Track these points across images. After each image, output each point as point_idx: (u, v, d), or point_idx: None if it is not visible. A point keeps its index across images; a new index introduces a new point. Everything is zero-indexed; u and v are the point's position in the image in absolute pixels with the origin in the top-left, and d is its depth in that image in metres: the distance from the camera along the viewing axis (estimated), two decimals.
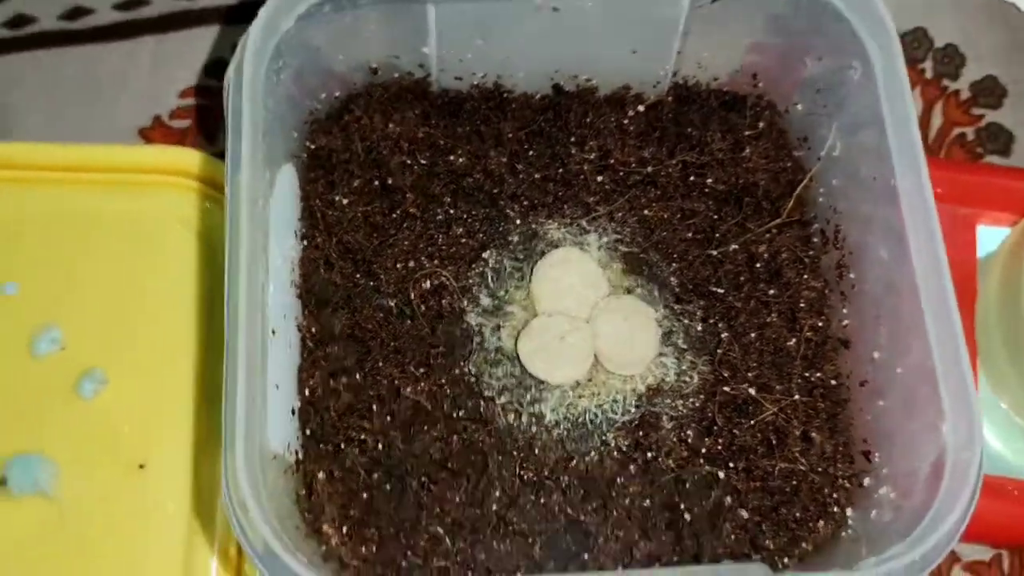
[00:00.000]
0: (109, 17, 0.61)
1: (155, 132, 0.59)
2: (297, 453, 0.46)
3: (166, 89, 0.60)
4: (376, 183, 0.52)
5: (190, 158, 0.56)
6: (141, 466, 0.51)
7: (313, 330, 0.49)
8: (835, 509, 0.47)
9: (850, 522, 0.46)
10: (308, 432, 0.47)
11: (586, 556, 0.46)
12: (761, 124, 0.55)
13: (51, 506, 0.50)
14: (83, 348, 0.53)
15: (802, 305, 0.50)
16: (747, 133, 0.54)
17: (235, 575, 0.50)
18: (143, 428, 0.52)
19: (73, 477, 0.50)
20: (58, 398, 0.52)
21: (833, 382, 0.49)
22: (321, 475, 0.46)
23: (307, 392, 0.47)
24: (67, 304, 0.54)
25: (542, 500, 0.47)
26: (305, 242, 0.50)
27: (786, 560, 0.46)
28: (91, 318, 0.54)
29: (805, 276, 0.51)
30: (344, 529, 0.45)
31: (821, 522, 0.47)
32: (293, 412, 0.47)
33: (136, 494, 0.51)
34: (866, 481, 0.46)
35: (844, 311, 0.50)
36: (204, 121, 0.59)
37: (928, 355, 0.41)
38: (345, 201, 0.51)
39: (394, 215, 0.51)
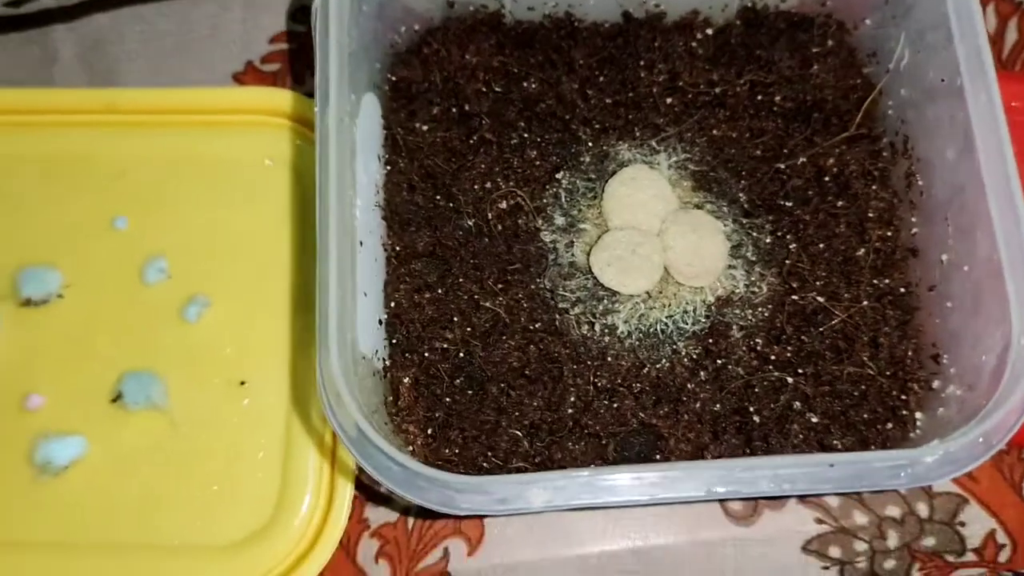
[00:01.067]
0: None
1: (247, 76, 0.62)
2: (384, 361, 0.49)
3: (256, 36, 0.63)
4: (454, 111, 0.55)
5: (281, 97, 0.59)
6: (242, 383, 0.55)
7: (397, 248, 0.52)
8: (904, 412, 0.48)
9: (919, 424, 0.47)
10: (395, 341, 0.50)
11: (658, 457, 0.48)
12: (830, 42, 0.55)
13: (162, 418, 0.54)
14: (187, 276, 0.57)
15: (871, 215, 0.51)
16: (815, 50, 0.55)
17: (328, 492, 0.53)
18: (243, 348, 0.55)
19: (181, 393, 0.54)
20: (166, 322, 0.56)
21: (902, 290, 0.50)
22: (407, 381, 0.49)
23: (393, 305, 0.50)
24: (172, 236, 0.58)
25: (615, 405, 0.49)
26: (388, 167, 0.53)
27: None
28: (194, 248, 0.57)
29: (874, 187, 0.52)
30: (428, 431, 0.48)
31: (890, 424, 0.48)
32: (380, 323, 0.50)
33: (237, 409, 0.54)
34: (935, 384, 0.47)
35: (913, 220, 0.50)
36: (292, 64, 0.63)
37: (993, 247, 0.42)
38: (425, 128, 0.54)
39: (471, 140, 0.54)
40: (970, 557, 0.52)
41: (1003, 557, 0.52)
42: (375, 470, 0.40)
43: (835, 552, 0.52)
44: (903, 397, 0.48)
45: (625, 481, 0.40)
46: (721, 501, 0.51)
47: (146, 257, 0.57)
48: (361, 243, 0.47)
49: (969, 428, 0.39)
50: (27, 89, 0.61)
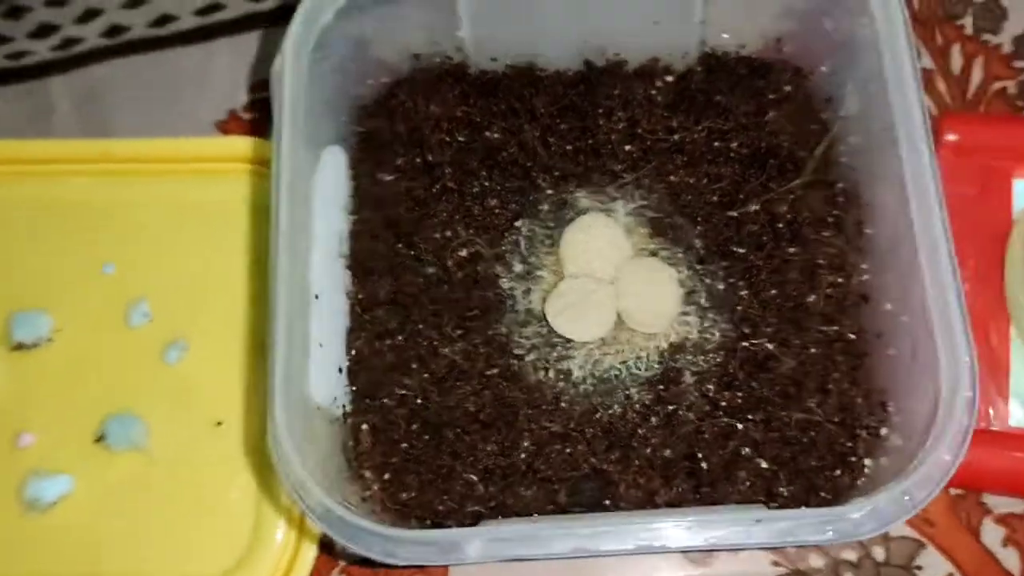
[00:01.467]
0: (190, 22, 0.67)
1: (230, 125, 0.65)
2: (344, 407, 0.51)
3: (238, 85, 0.66)
4: (418, 160, 0.56)
5: (254, 146, 0.61)
6: (219, 423, 0.57)
7: (360, 296, 0.53)
8: (852, 458, 0.48)
9: (867, 471, 0.48)
10: (355, 388, 0.52)
11: (608, 502, 0.49)
12: (787, 88, 0.56)
13: (143, 458, 0.56)
14: (168, 320, 0.59)
15: (821, 262, 0.52)
16: (771, 97, 0.55)
17: (299, 522, 0.54)
18: (219, 391, 0.57)
19: (161, 434, 0.57)
20: (148, 364, 0.58)
21: (852, 336, 0.50)
22: (365, 427, 0.51)
23: (354, 352, 0.52)
24: (155, 281, 0.60)
25: (568, 450, 0.50)
26: (354, 216, 0.55)
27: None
28: (175, 293, 0.59)
29: (825, 234, 0.52)
30: (385, 475, 0.50)
31: (838, 471, 0.48)
32: (341, 371, 0.51)
33: (215, 448, 0.56)
34: (883, 431, 0.48)
35: (864, 266, 0.51)
36: (269, 112, 0.65)
37: (924, 300, 0.42)
38: (389, 178, 0.56)
39: (434, 189, 0.55)
40: None
41: None
42: (318, 520, 0.42)
43: None
44: (850, 444, 0.48)
45: (554, 535, 0.41)
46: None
47: (131, 301, 0.59)
48: (317, 296, 0.49)
49: (893, 484, 0.39)
50: (26, 140, 0.64)
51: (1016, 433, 0.52)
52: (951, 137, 0.55)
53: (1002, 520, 0.54)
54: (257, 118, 0.65)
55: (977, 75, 0.60)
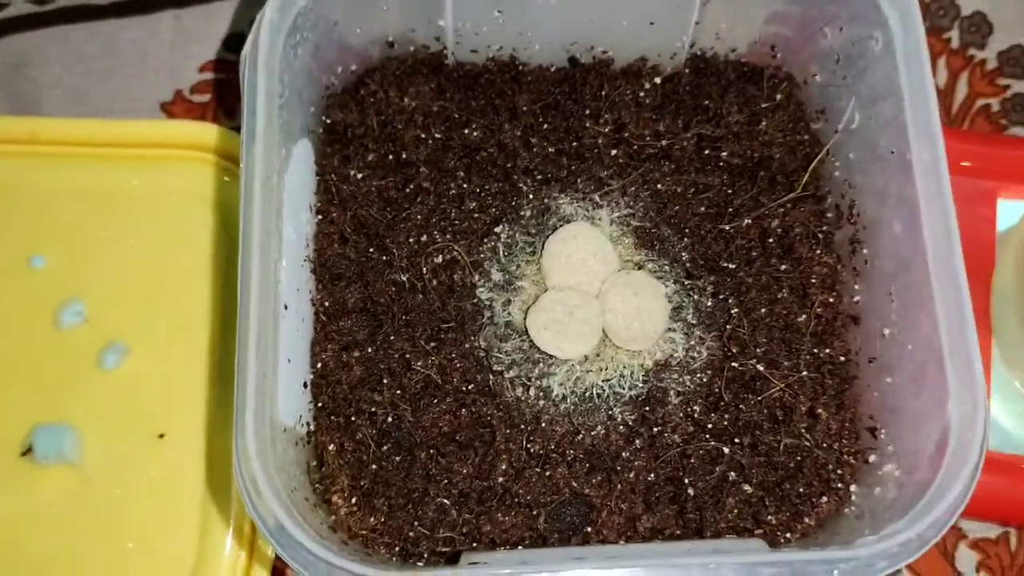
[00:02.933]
0: None
1: (176, 107, 0.60)
2: (308, 425, 0.47)
3: (186, 64, 0.61)
4: (391, 157, 0.52)
5: (208, 132, 0.57)
6: (161, 436, 0.52)
7: (326, 304, 0.49)
8: (839, 485, 0.47)
9: (854, 498, 0.46)
10: (320, 404, 0.48)
11: (589, 529, 0.46)
12: (779, 96, 0.54)
13: (75, 474, 0.51)
14: (106, 321, 0.54)
15: (813, 281, 0.50)
16: (764, 105, 0.53)
17: (249, 546, 0.51)
18: (163, 399, 0.53)
19: (96, 446, 0.52)
20: (82, 369, 0.53)
21: (842, 359, 0.49)
22: (332, 447, 0.47)
23: (319, 365, 0.48)
24: (91, 277, 0.55)
25: (547, 473, 0.47)
26: (320, 217, 0.51)
27: (788, 535, 0.46)
28: (114, 291, 0.55)
29: (818, 251, 0.51)
30: (353, 500, 0.46)
31: (824, 498, 0.47)
32: (305, 385, 0.48)
33: (156, 463, 0.52)
34: (871, 458, 0.46)
35: (856, 287, 0.49)
36: (223, 95, 0.60)
37: (935, 331, 0.41)
38: (360, 175, 0.52)
39: (408, 189, 0.52)
40: None
41: None
42: (295, 563, 0.38)
43: None
44: (838, 471, 0.47)
45: None
46: None
47: (62, 299, 0.54)
48: (286, 307, 0.45)
49: (904, 524, 0.38)
50: None
51: (991, 458, 0.52)
52: None
53: (976, 545, 0.53)
54: (207, 101, 0.60)
55: (962, 91, 0.59)
